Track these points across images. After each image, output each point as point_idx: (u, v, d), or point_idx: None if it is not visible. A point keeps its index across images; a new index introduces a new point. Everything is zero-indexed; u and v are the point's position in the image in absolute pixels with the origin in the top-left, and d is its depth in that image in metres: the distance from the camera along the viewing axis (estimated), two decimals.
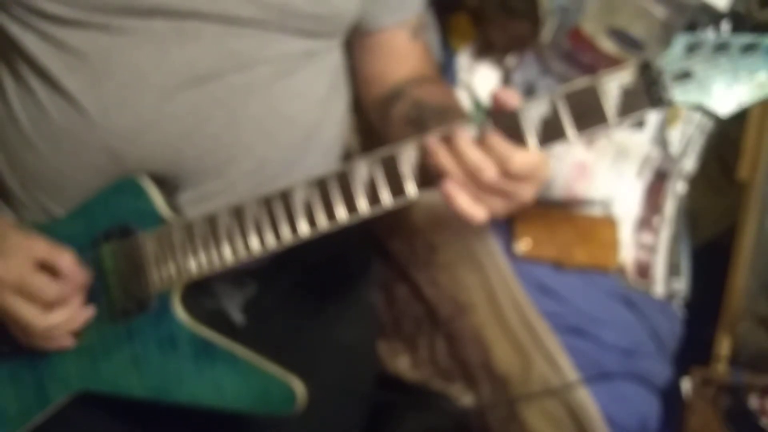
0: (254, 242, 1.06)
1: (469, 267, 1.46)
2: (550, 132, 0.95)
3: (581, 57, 1.45)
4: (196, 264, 1.09)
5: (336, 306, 1.34)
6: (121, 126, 1.11)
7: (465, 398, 1.49)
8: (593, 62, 1.44)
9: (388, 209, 1.01)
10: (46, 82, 1.12)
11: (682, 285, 1.55)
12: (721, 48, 0.90)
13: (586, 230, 1.48)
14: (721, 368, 1.46)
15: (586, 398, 1.41)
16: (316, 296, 1.32)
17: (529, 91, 1.49)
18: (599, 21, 1.42)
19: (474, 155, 0.94)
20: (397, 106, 1.23)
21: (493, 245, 1.46)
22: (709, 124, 1.53)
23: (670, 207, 1.53)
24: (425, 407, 1.51)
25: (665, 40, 1.37)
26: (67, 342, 1.13)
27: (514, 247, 1.46)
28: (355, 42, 1.28)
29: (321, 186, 1.02)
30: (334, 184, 1.02)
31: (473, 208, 0.95)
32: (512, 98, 0.95)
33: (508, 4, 1.47)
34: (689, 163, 1.54)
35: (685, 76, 0.91)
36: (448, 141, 0.96)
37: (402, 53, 1.28)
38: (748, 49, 0.90)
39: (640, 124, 1.48)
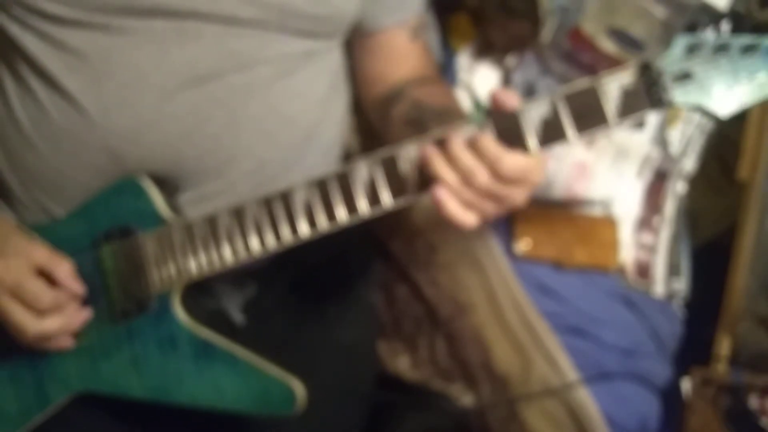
0: (254, 243, 1.06)
1: (469, 267, 1.46)
2: (551, 133, 0.95)
3: (581, 57, 1.45)
4: (196, 264, 1.09)
5: (336, 306, 1.34)
6: (121, 126, 1.11)
7: (465, 398, 1.49)
8: (593, 62, 1.44)
9: (388, 210, 1.01)
10: (46, 82, 1.12)
11: (682, 285, 1.55)
12: (721, 49, 0.90)
13: (586, 230, 1.48)
14: (721, 368, 1.46)
15: (586, 398, 1.41)
16: (316, 296, 1.31)
17: (529, 91, 1.49)
18: (599, 21, 1.42)
19: (467, 159, 0.94)
20: (397, 107, 1.23)
21: (493, 245, 1.46)
22: (709, 124, 1.53)
23: (670, 207, 1.52)
24: (425, 407, 1.51)
25: (665, 40, 1.37)
26: (67, 343, 1.13)
27: (514, 247, 1.46)
28: (355, 42, 1.28)
29: (321, 186, 1.02)
30: (335, 185, 1.02)
31: (464, 214, 0.96)
32: (511, 99, 0.95)
33: (508, 4, 1.47)
34: (689, 163, 1.54)
35: (685, 77, 0.91)
36: (443, 145, 0.96)
37: (402, 54, 1.28)
38: (748, 50, 0.90)
39: (640, 125, 1.48)
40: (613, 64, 1.38)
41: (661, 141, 1.50)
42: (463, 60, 1.54)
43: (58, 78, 1.11)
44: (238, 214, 1.06)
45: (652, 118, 1.49)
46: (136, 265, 1.12)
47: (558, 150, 0.96)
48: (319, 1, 1.14)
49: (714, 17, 1.39)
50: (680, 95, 0.91)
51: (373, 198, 1.01)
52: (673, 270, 1.53)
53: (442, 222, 1.44)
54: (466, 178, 0.94)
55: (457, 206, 0.96)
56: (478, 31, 1.54)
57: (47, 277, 1.09)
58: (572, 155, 1.47)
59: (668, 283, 1.52)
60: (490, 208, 0.97)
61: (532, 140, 0.95)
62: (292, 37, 1.15)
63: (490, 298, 1.45)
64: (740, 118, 1.29)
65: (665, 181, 1.52)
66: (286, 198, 1.04)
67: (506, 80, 1.51)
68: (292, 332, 1.30)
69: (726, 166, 1.56)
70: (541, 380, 1.42)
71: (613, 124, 0.93)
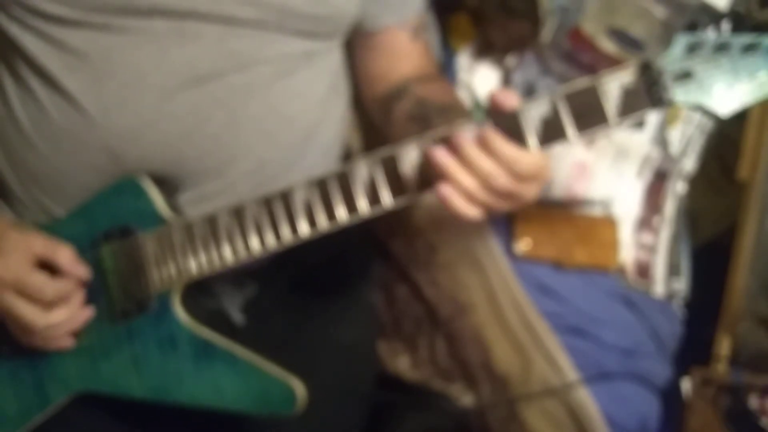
0: (254, 242, 1.06)
1: (469, 267, 1.46)
2: (551, 132, 0.95)
3: (581, 57, 1.45)
4: (196, 264, 1.09)
5: (336, 306, 1.34)
6: (121, 126, 1.11)
7: (465, 398, 1.49)
8: (593, 62, 1.44)
9: (388, 210, 1.01)
10: (45, 82, 1.12)
11: (682, 285, 1.55)
12: (721, 48, 0.90)
13: (586, 230, 1.48)
14: (721, 368, 1.46)
15: (586, 398, 1.41)
16: (316, 296, 1.31)
17: (529, 91, 1.49)
18: (599, 21, 1.42)
19: (485, 164, 0.94)
20: (400, 104, 1.23)
21: (493, 245, 1.46)
22: (709, 124, 1.53)
23: (670, 207, 1.52)
24: (425, 407, 1.51)
25: (665, 40, 1.37)
26: (67, 342, 1.13)
27: (514, 247, 1.46)
28: (356, 41, 1.28)
29: (321, 186, 1.02)
30: (335, 185, 1.02)
31: (471, 209, 0.96)
32: (510, 98, 0.95)
33: (508, 4, 1.47)
34: (689, 163, 1.54)
35: (685, 76, 0.91)
36: (450, 146, 0.96)
37: (403, 53, 1.28)
38: (749, 49, 0.90)
39: (640, 124, 1.48)
40: (613, 64, 1.38)
41: (661, 141, 1.50)
42: (463, 60, 1.54)
43: (58, 78, 1.11)
44: (238, 213, 1.06)
45: (652, 118, 1.49)
46: (136, 265, 1.12)
47: (558, 150, 0.96)
48: (319, 1, 1.14)
49: (714, 17, 1.39)
50: (681, 94, 0.91)
51: (373, 198, 1.01)
52: (673, 270, 1.53)
53: (442, 222, 1.46)
54: (486, 182, 0.95)
55: (463, 203, 0.96)
56: (478, 31, 1.54)
57: (49, 267, 1.09)
58: (572, 155, 1.47)
59: (668, 283, 1.52)
60: (504, 206, 0.98)
61: (532, 140, 0.95)
62: (291, 38, 1.15)
63: (490, 298, 1.45)
64: (740, 118, 1.30)
65: (665, 181, 1.52)
66: (286, 198, 1.04)
67: (506, 80, 1.51)
68: (292, 332, 1.30)
69: (726, 166, 1.56)
70: (541, 380, 1.42)
71: (614, 124, 0.93)
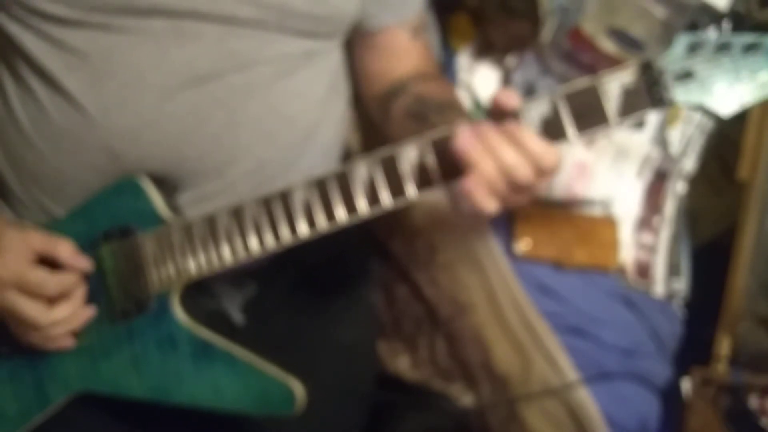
0: (253, 243, 1.06)
1: (469, 267, 1.46)
2: (551, 132, 0.95)
3: (581, 57, 1.45)
4: (195, 264, 1.09)
5: (336, 306, 1.34)
6: (121, 126, 1.10)
7: (465, 398, 1.49)
8: (593, 62, 1.44)
9: (387, 210, 1.01)
10: (45, 82, 1.12)
11: (682, 285, 1.55)
12: (722, 48, 0.90)
13: (586, 230, 1.48)
14: (721, 368, 1.46)
15: (586, 398, 1.41)
16: (316, 296, 1.31)
17: (529, 91, 1.49)
18: (599, 21, 1.42)
19: (509, 156, 0.94)
20: (398, 101, 1.23)
21: (493, 245, 1.46)
22: (709, 124, 1.53)
23: (670, 207, 1.52)
24: (425, 407, 1.51)
25: (665, 40, 1.37)
26: (68, 342, 1.13)
27: (514, 247, 1.46)
28: (356, 41, 1.28)
29: (320, 186, 1.02)
30: (334, 185, 1.02)
31: (490, 202, 0.95)
32: (511, 98, 0.95)
33: (508, 4, 1.47)
34: (689, 163, 1.54)
35: (686, 75, 0.91)
36: (476, 134, 0.95)
37: (403, 52, 1.28)
38: (750, 48, 0.90)
39: (640, 124, 1.48)
40: (613, 64, 1.38)
41: (661, 141, 1.50)
42: (463, 60, 1.54)
43: (57, 78, 1.11)
44: (237, 214, 1.06)
45: (652, 118, 1.49)
46: (136, 265, 1.12)
47: (558, 149, 0.96)
48: (319, 1, 1.14)
49: (714, 17, 1.39)
50: (681, 94, 0.91)
51: (373, 198, 1.01)
52: (673, 270, 1.53)
53: (442, 222, 1.46)
54: (507, 173, 0.94)
55: (485, 194, 0.95)
56: (478, 31, 1.54)
57: (50, 263, 1.09)
58: (572, 155, 1.47)
59: (668, 283, 1.52)
60: (518, 201, 0.97)
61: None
62: (291, 38, 1.15)
63: (490, 298, 1.45)
64: (740, 118, 1.30)
65: (665, 181, 1.52)
66: (285, 198, 1.04)
67: (506, 80, 1.51)
68: (292, 332, 1.30)
69: (726, 166, 1.56)
70: (541, 380, 1.42)
71: (614, 124, 0.93)
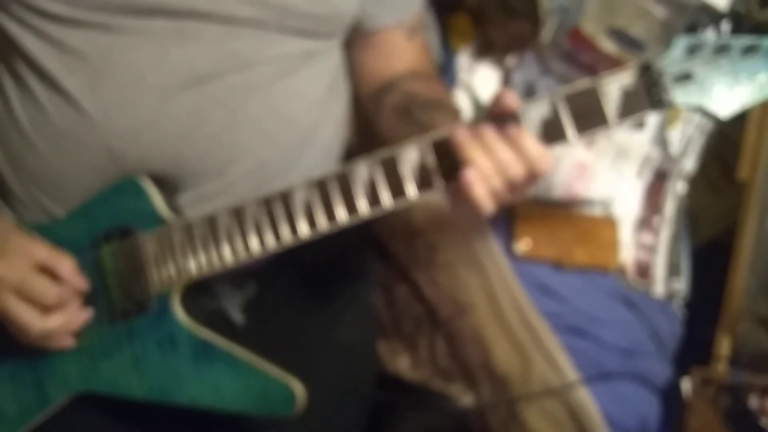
0: (254, 243, 1.06)
1: (469, 267, 1.46)
2: (551, 133, 0.95)
3: (581, 57, 1.45)
4: (195, 264, 1.09)
5: (336, 306, 1.34)
6: (121, 126, 1.11)
7: (465, 398, 1.49)
8: (593, 62, 1.44)
9: (388, 210, 1.01)
10: (45, 82, 1.12)
11: (682, 285, 1.55)
12: (721, 50, 0.90)
13: (586, 230, 1.48)
14: (721, 368, 1.46)
15: (586, 398, 1.41)
16: (316, 296, 1.32)
17: (529, 91, 1.49)
18: (599, 21, 1.42)
19: (506, 154, 0.95)
20: (388, 97, 1.24)
21: (493, 245, 1.46)
22: (709, 125, 1.53)
23: (670, 207, 1.52)
24: (425, 407, 1.51)
25: (665, 40, 1.37)
26: (68, 342, 1.13)
27: (514, 247, 1.46)
28: (353, 41, 1.28)
29: (321, 187, 1.03)
30: (334, 185, 1.02)
31: (488, 200, 0.96)
32: (512, 100, 0.96)
33: (508, 4, 1.47)
34: (689, 163, 1.54)
35: (685, 77, 0.91)
36: (473, 132, 0.96)
37: (398, 52, 1.29)
38: (749, 50, 0.90)
39: (640, 125, 1.48)
40: (613, 64, 1.38)
41: (661, 141, 1.50)
42: (463, 60, 1.54)
43: (57, 78, 1.11)
44: (238, 214, 1.06)
45: (652, 118, 1.49)
46: (136, 265, 1.12)
47: (558, 150, 0.97)
48: (319, 0, 1.14)
49: (714, 17, 1.39)
50: (680, 96, 0.92)
51: (373, 198, 1.01)
52: (673, 270, 1.53)
53: (442, 222, 1.46)
54: (503, 171, 0.96)
55: (484, 191, 0.96)
56: (478, 31, 1.54)
57: (50, 274, 1.09)
58: (572, 155, 1.47)
59: (668, 283, 1.52)
60: (509, 198, 0.99)
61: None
62: (291, 37, 1.15)
63: (490, 298, 1.45)
64: (740, 118, 1.29)
65: (665, 181, 1.52)
66: (285, 198, 1.04)
67: (506, 80, 1.51)
68: (292, 332, 1.30)
69: (726, 166, 1.56)
70: (541, 380, 1.42)
71: (613, 125, 0.94)
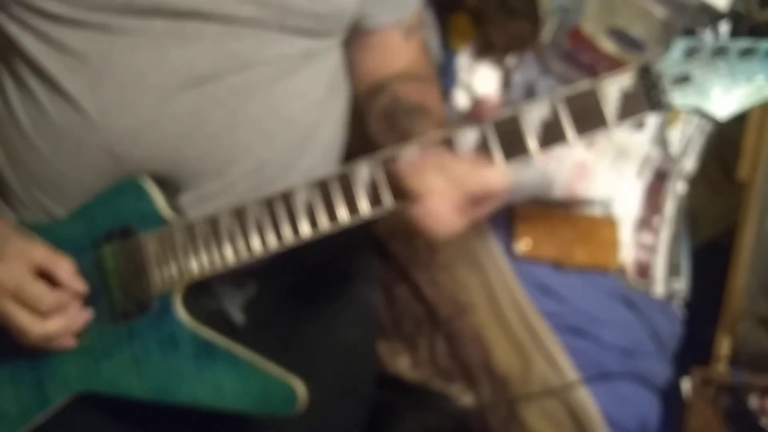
0: (256, 243, 1.06)
1: (469, 267, 1.46)
2: (550, 135, 0.96)
3: (581, 57, 1.45)
4: (197, 265, 1.09)
5: (336, 306, 1.34)
6: (121, 126, 1.11)
7: (465, 398, 1.49)
8: (593, 62, 1.44)
9: (389, 211, 1.02)
10: (45, 82, 1.12)
11: (682, 285, 1.55)
12: (719, 52, 0.91)
13: (586, 230, 1.48)
14: (721, 368, 1.46)
15: (586, 398, 1.41)
16: (316, 296, 1.32)
17: (529, 91, 1.49)
18: (599, 21, 1.42)
19: (437, 182, 0.99)
20: (378, 99, 1.24)
21: (493, 245, 1.46)
22: (709, 125, 1.53)
23: (670, 207, 1.53)
24: (425, 407, 1.51)
25: (665, 41, 1.37)
26: (69, 342, 1.13)
27: (514, 247, 1.46)
28: (350, 41, 1.28)
29: (322, 187, 1.03)
30: (336, 186, 1.02)
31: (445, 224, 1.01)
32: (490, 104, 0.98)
33: (508, 4, 1.47)
34: (689, 163, 1.54)
35: (684, 79, 0.92)
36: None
37: (394, 52, 1.28)
38: (747, 53, 0.90)
39: (640, 125, 1.48)
40: (613, 64, 1.39)
41: (661, 141, 1.50)
42: (463, 60, 1.54)
43: (57, 78, 1.11)
44: (240, 214, 1.07)
45: (652, 119, 1.49)
46: (137, 266, 1.12)
47: (558, 150, 0.97)
48: None
49: (714, 17, 1.39)
50: (679, 98, 0.92)
51: (374, 199, 1.01)
52: (673, 270, 1.53)
53: None
54: (444, 196, 1.00)
55: (437, 221, 1.01)
56: (478, 31, 1.55)
57: (48, 277, 1.09)
58: (572, 155, 1.47)
59: (668, 283, 1.52)
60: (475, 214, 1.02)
61: (532, 142, 0.96)
62: (291, 37, 1.15)
63: (490, 298, 1.45)
64: (740, 119, 1.29)
65: (665, 181, 1.52)
66: (287, 198, 1.04)
67: (506, 80, 1.51)
68: (293, 332, 1.30)
69: (726, 166, 1.56)
70: (541, 380, 1.42)
71: (613, 126, 0.94)
